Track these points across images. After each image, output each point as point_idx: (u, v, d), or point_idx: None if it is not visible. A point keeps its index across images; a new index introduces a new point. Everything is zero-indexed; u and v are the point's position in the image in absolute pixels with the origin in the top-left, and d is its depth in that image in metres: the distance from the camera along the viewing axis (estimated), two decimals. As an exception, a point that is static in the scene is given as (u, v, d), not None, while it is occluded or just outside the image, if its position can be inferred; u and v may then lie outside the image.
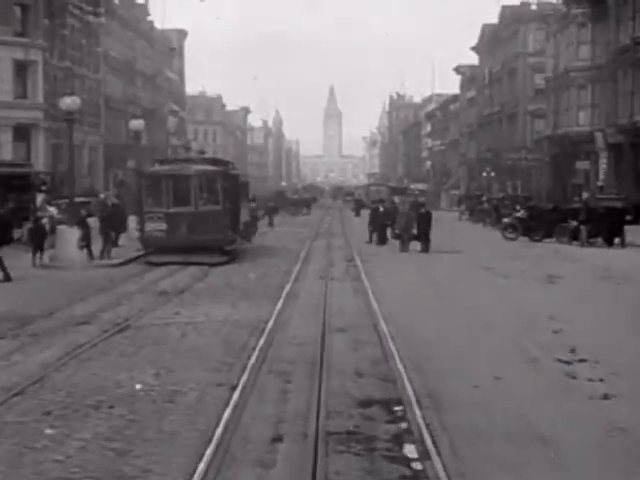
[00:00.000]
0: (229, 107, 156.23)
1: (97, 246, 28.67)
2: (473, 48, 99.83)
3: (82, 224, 28.09)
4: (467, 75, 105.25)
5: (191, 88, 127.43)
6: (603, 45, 59.94)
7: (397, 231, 34.75)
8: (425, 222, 33.68)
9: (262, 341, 13.75)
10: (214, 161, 31.31)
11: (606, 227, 34.91)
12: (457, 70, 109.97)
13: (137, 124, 38.05)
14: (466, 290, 21.08)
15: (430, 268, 26.99)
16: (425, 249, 32.75)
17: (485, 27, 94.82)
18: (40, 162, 55.38)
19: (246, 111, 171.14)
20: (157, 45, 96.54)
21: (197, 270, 25.87)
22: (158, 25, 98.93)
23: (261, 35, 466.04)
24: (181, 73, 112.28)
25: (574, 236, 35.39)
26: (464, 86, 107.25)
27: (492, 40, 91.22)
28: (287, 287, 21.11)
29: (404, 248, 33.19)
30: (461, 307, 18.11)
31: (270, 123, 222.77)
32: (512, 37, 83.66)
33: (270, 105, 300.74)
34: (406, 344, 13.44)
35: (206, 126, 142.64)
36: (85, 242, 27.51)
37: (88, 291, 20.70)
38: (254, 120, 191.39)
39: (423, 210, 35.45)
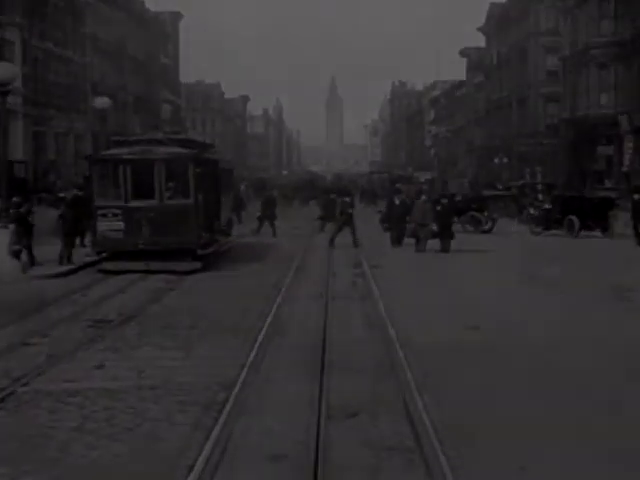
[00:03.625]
0: (228, 95, 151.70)
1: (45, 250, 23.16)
2: (479, 29, 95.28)
3: (20, 223, 22.26)
4: (473, 58, 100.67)
5: (188, 75, 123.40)
6: (628, 19, 55.17)
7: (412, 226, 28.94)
8: (445, 215, 28.23)
9: (208, 450, 7.50)
10: (186, 142, 24.76)
11: (586, 217, 34.06)
12: (463, 53, 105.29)
13: (102, 102, 32.17)
14: (520, 319, 14.97)
15: (459, 278, 21.22)
16: (446, 249, 27.47)
17: (492, 6, 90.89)
18: (19, 151, 50.73)
19: (246, 99, 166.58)
20: (150, 28, 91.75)
21: (160, 282, 20.27)
22: (151, 6, 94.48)
23: (263, 24, 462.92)
24: (176, 58, 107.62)
25: (546, 225, 34.82)
26: (470, 70, 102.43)
27: (500, 20, 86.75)
28: (271, 314, 15.14)
29: (420, 248, 27.61)
30: (528, 357, 12.04)
31: (270, 111, 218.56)
32: (522, 16, 79.38)
33: (270, 93, 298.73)
34: (465, 456, 7.42)
35: (204, 114, 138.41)
36: (19, 246, 21.67)
37: (-3, 319, 14.86)
38: (254, 108, 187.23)
39: (444, 201, 29.83)
